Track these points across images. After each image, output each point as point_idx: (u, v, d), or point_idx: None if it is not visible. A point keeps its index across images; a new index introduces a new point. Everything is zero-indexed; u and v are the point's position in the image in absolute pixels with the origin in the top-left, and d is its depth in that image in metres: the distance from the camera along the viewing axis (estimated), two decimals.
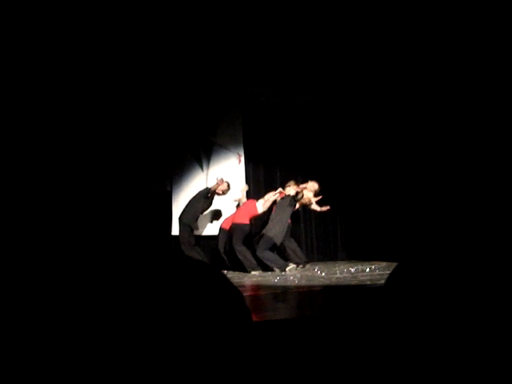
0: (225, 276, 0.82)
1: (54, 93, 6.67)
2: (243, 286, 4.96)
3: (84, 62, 6.86)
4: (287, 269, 6.68)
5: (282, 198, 7.27)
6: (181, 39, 7.27)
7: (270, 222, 7.13)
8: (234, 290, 0.80)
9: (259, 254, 6.92)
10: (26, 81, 6.35)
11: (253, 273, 6.77)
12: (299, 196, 7.21)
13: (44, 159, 6.48)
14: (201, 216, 7.56)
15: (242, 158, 8.38)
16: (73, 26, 6.41)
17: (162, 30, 6.97)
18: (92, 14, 6.36)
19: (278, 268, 6.74)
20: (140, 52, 7.30)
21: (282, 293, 4.35)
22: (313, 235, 8.81)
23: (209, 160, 8.27)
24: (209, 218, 8.08)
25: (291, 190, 7.32)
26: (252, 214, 7.34)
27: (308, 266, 7.24)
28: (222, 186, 7.45)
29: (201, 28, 7.09)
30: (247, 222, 7.26)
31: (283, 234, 7.08)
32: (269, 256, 6.92)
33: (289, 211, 7.14)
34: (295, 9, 6.70)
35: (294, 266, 6.87)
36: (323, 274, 5.81)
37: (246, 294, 4.24)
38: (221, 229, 7.56)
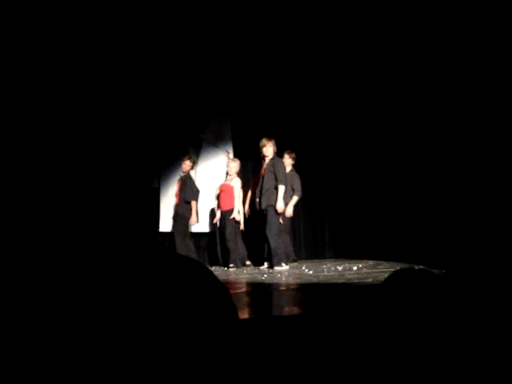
0: (212, 273, 0.81)
1: (42, 89, 6.62)
2: (230, 283, 4.95)
3: (73, 59, 6.80)
4: (276, 267, 6.63)
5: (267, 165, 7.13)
6: (170, 38, 7.24)
7: (262, 197, 6.94)
8: (221, 286, 0.80)
9: (271, 238, 6.67)
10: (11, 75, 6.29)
11: (230, 268, 6.89)
12: None
13: (31, 156, 6.43)
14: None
15: (231, 155, 8.38)
16: (63, 22, 6.36)
17: (150, 28, 6.94)
18: (82, 12, 6.31)
19: (275, 262, 6.69)
20: (129, 50, 7.26)
21: (269, 290, 4.35)
22: (301, 233, 8.83)
23: (197, 157, 8.26)
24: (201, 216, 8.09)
25: (269, 149, 7.07)
26: (233, 196, 7.43)
27: (296, 263, 7.25)
28: (187, 164, 7.57)
29: (190, 26, 7.06)
30: (233, 206, 7.35)
31: (283, 198, 6.98)
32: (278, 246, 6.70)
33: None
34: (285, 7, 6.70)
35: (287, 267, 6.71)
36: (311, 272, 5.82)
37: (232, 291, 4.24)
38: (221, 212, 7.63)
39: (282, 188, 6.85)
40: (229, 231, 7.22)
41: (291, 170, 7.63)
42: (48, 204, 6.37)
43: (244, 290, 4.51)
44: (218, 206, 7.63)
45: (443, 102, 6.77)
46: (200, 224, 8.00)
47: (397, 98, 7.59)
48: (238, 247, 7.32)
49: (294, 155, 7.73)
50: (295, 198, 7.45)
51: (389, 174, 7.94)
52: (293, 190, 7.44)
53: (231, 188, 7.46)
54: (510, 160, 5.82)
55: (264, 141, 7.09)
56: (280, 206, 6.84)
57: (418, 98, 7.20)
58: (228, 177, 7.59)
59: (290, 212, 7.32)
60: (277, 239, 6.76)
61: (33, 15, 6.07)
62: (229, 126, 8.48)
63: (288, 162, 7.61)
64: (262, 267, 6.99)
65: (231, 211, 7.32)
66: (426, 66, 6.85)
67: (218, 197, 7.72)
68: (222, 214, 7.43)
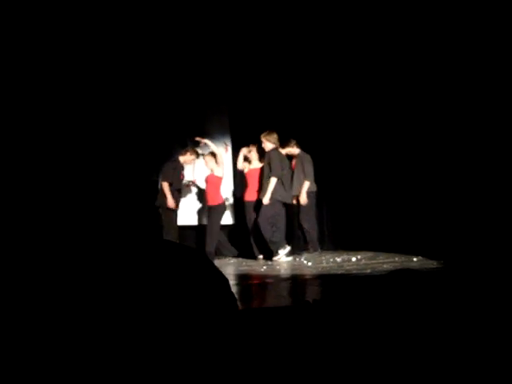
0: (212, 263, 0.82)
1: (45, 87, 6.63)
2: (229, 275, 4.96)
3: (74, 56, 6.80)
4: (274, 258, 6.60)
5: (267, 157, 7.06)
6: (168, 33, 7.22)
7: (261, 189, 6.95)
8: (221, 275, 0.80)
9: (262, 229, 6.72)
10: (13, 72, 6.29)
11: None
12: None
13: (34, 153, 6.46)
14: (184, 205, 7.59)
15: (229, 148, 8.36)
16: (63, 22, 6.35)
17: (149, 24, 6.92)
18: (83, 10, 6.31)
19: (274, 252, 6.65)
20: (128, 47, 7.25)
21: (268, 282, 4.37)
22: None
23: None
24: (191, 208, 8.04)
25: (266, 144, 7.03)
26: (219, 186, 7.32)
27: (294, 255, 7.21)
28: (190, 157, 7.37)
29: (188, 20, 7.04)
30: (222, 200, 7.26)
31: (284, 189, 6.93)
32: (272, 235, 6.71)
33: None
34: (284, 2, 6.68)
35: (284, 256, 6.65)
36: (309, 264, 5.83)
37: (232, 282, 4.25)
38: (246, 202, 7.41)
39: (273, 180, 6.80)
40: (211, 225, 7.11)
41: (299, 154, 7.47)
42: (54, 198, 6.39)
43: (243, 281, 4.53)
44: (204, 200, 7.53)
45: (441, 95, 6.76)
46: (191, 217, 8.01)
47: (394, 93, 7.57)
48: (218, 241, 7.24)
49: (292, 143, 7.51)
50: (307, 184, 7.30)
51: (387, 165, 7.93)
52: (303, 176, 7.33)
53: (218, 179, 7.27)
54: (505, 154, 5.83)
55: (261, 136, 7.10)
56: (266, 199, 6.79)
57: (414, 93, 7.19)
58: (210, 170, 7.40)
59: (304, 199, 7.23)
60: (269, 229, 6.76)
61: (27, 14, 6.05)
62: (226, 118, 8.46)
63: (293, 150, 7.47)
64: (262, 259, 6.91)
65: (218, 206, 7.15)
66: (430, 57, 6.82)
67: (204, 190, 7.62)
68: (210, 208, 7.24)
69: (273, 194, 6.80)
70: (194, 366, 0.69)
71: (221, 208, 7.22)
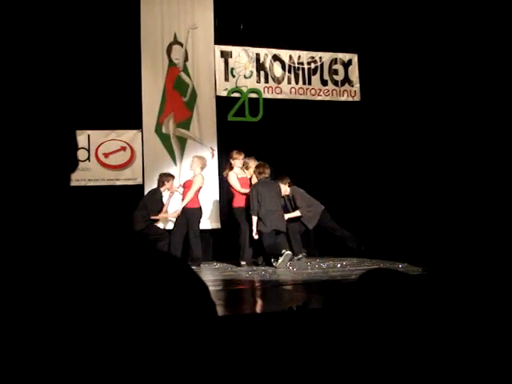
0: (190, 268, 0.79)
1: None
2: (214, 280, 4.93)
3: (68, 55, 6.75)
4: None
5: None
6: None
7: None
8: (200, 282, 0.78)
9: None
10: None
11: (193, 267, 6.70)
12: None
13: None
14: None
15: (216, 152, 8.32)
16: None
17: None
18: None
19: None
20: (114, 40, 7.24)
21: (252, 287, 4.35)
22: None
23: (182, 154, 8.20)
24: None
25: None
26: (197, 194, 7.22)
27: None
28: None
29: None
30: (199, 204, 7.16)
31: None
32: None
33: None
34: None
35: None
36: (295, 270, 5.81)
37: (216, 288, 4.23)
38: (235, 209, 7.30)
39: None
40: (194, 230, 7.02)
41: (291, 191, 7.52)
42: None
43: (226, 287, 4.51)
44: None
45: (424, 107, 6.80)
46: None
47: (387, 97, 7.60)
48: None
49: (285, 181, 7.44)
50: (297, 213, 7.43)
51: (372, 173, 7.97)
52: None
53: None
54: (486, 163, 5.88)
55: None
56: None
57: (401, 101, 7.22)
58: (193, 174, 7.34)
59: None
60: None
61: None
62: (214, 122, 8.41)
63: (284, 188, 7.42)
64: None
65: (194, 210, 7.07)
66: (428, 62, 6.83)
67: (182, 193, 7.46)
68: (184, 211, 7.10)
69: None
70: (171, 374, 0.67)
71: (198, 212, 7.11)
